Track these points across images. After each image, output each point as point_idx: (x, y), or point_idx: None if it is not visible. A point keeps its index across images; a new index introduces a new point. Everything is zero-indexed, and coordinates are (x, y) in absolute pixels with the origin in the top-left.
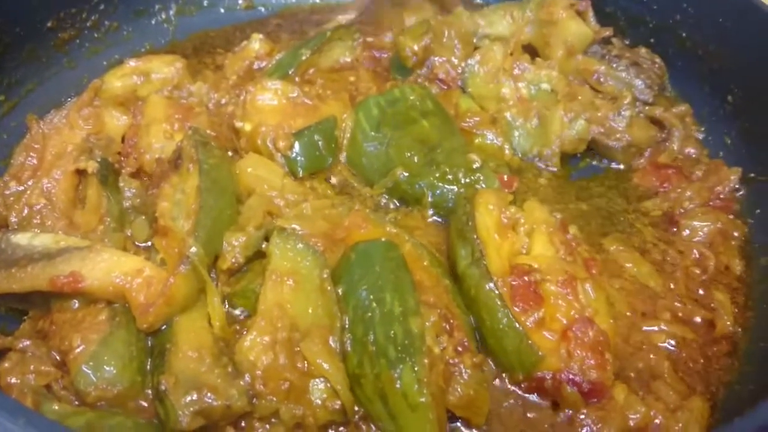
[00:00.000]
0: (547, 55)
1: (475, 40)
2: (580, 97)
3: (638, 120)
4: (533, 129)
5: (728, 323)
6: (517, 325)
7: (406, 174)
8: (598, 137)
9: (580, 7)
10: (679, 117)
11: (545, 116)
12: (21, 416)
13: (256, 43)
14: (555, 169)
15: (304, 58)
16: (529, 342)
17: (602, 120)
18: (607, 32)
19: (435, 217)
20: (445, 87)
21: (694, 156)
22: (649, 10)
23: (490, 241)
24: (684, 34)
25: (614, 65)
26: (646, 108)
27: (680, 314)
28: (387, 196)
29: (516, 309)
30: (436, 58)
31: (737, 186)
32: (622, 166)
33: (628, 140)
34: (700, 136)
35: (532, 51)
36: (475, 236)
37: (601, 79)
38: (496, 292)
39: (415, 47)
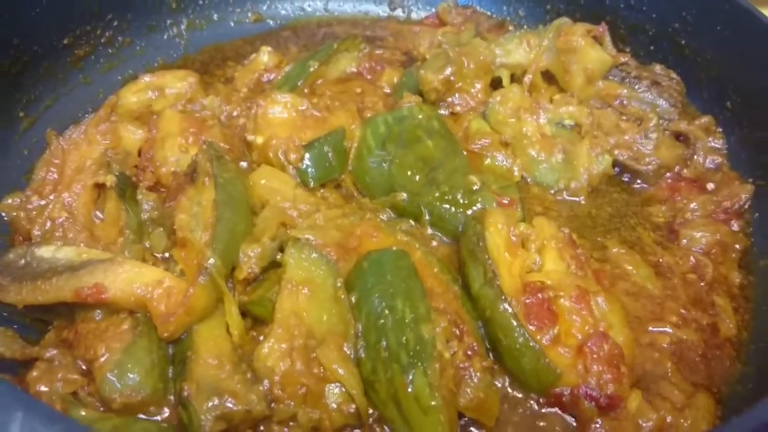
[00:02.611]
0: (566, 82)
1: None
2: (604, 122)
3: (664, 139)
4: (557, 164)
5: (731, 326)
6: (534, 344)
7: (406, 197)
8: (627, 162)
9: (597, 33)
10: (703, 129)
11: (570, 151)
12: (57, 422)
13: (265, 56)
14: (581, 200)
15: (312, 69)
16: (547, 360)
17: (629, 144)
18: (625, 58)
19: (434, 235)
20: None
21: (713, 167)
22: (649, 19)
23: (501, 261)
24: (683, 42)
25: (636, 87)
26: (670, 123)
27: (685, 318)
28: (387, 211)
29: (531, 327)
30: (454, 99)
31: (745, 203)
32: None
33: (658, 163)
34: (723, 149)
35: (550, 78)
36: (486, 256)
37: (625, 102)
38: (511, 311)
39: (436, 83)
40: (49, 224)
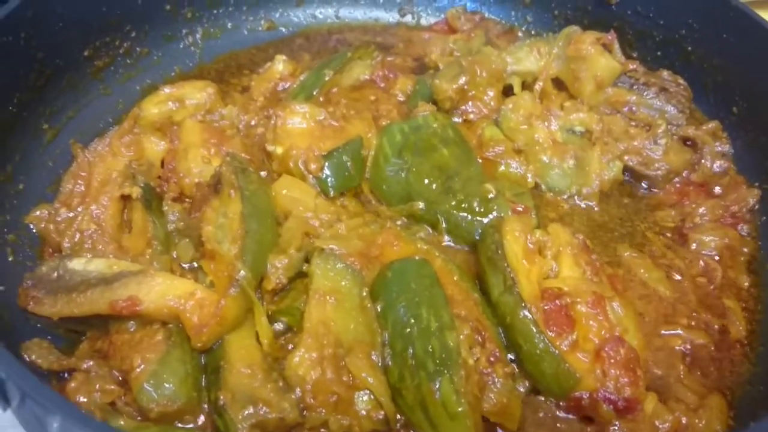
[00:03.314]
0: (576, 89)
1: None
2: (614, 128)
3: (673, 144)
4: (569, 169)
5: (741, 328)
6: (554, 350)
7: (423, 206)
8: (637, 168)
9: (606, 41)
10: (710, 134)
11: (582, 157)
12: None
13: (280, 65)
14: (593, 204)
15: (327, 78)
16: (566, 365)
17: (639, 150)
18: (633, 65)
19: (450, 243)
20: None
21: (720, 171)
22: (656, 25)
23: (519, 268)
24: (689, 48)
25: (644, 94)
26: (678, 129)
27: (696, 320)
28: (404, 219)
29: (550, 333)
30: (468, 106)
31: (753, 207)
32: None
33: (667, 168)
34: (730, 153)
35: (560, 84)
36: (505, 264)
37: (634, 109)
38: (531, 318)
39: (450, 92)
40: (78, 236)
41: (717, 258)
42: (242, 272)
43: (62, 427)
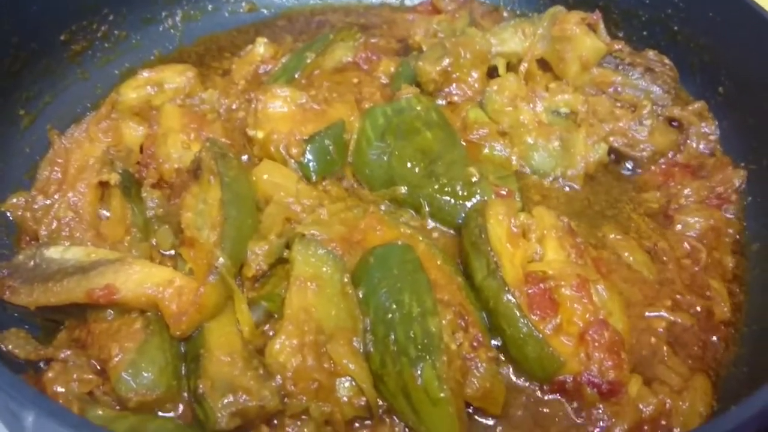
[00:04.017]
0: (561, 69)
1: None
2: (599, 109)
3: (658, 125)
4: (555, 151)
5: (725, 310)
6: (537, 334)
7: (406, 190)
8: (622, 149)
9: (591, 21)
10: (696, 114)
11: (567, 139)
12: (68, 420)
13: (261, 47)
14: (577, 187)
15: (309, 61)
16: (550, 349)
17: (624, 131)
18: (619, 45)
19: (435, 225)
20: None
21: (706, 152)
22: (642, 4)
23: (503, 252)
24: (675, 28)
25: (629, 74)
26: (664, 109)
27: (680, 302)
28: (388, 203)
29: (534, 317)
30: (452, 88)
31: (738, 188)
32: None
33: (652, 149)
34: (716, 134)
35: (545, 65)
36: (489, 248)
37: (619, 89)
38: (514, 302)
39: (434, 74)
40: (55, 224)
41: (702, 239)
42: (221, 259)
43: (37, 422)
